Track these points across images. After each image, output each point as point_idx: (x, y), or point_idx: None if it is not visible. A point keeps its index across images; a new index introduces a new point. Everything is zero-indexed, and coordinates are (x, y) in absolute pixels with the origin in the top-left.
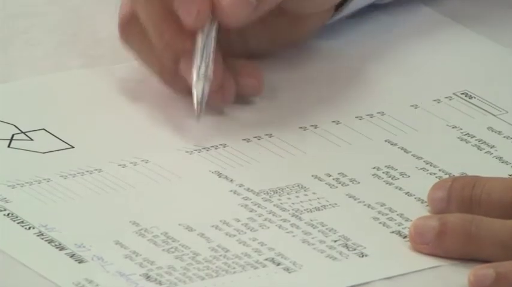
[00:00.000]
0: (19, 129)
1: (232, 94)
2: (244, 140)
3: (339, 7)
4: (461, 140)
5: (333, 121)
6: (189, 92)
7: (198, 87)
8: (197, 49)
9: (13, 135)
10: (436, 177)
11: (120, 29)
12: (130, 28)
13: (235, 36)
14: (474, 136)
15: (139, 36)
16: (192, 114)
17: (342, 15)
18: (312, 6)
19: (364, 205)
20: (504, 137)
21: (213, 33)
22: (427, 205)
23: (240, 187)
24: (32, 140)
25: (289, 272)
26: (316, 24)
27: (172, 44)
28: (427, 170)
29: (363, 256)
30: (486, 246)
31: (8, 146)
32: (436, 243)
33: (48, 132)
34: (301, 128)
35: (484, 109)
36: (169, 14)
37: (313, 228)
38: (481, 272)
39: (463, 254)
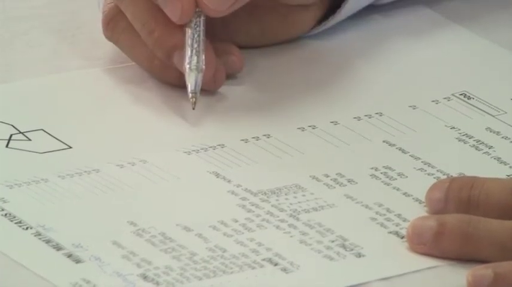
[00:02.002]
0: (17, 130)
1: (223, 77)
2: (242, 140)
3: (335, 8)
4: (460, 140)
5: (331, 122)
6: (180, 82)
7: (191, 79)
8: (187, 42)
9: (11, 135)
10: (434, 177)
11: (104, 25)
12: (116, 24)
13: (223, 30)
14: (472, 137)
15: (126, 32)
16: (190, 112)
17: (340, 19)
18: None
19: (362, 205)
20: (502, 137)
21: (201, 26)
22: (425, 206)
23: (237, 187)
24: (30, 140)
25: (287, 273)
26: (307, 20)
27: (164, 41)
28: (425, 171)
29: (360, 256)
30: (484, 247)
31: (6, 146)
32: (433, 243)
33: (47, 132)
34: (299, 128)
35: (482, 110)
36: (156, 9)
37: (311, 228)
38: (479, 273)
39: (461, 254)
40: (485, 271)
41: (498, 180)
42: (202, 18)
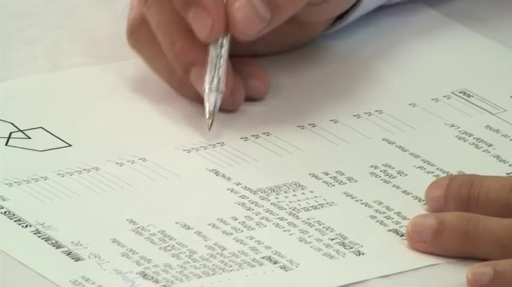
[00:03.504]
0: (17, 128)
1: (242, 98)
2: (242, 138)
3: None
4: (459, 138)
5: (331, 120)
6: (197, 99)
7: (211, 100)
8: (210, 61)
9: (11, 133)
10: (434, 175)
11: (128, 33)
12: (139, 33)
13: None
14: (472, 135)
15: (149, 41)
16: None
17: (347, 22)
18: (320, 16)
19: (362, 203)
20: (502, 135)
21: (227, 46)
22: (424, 204)
23: (237, 185)
24: (29, 138)
25: (286, 271)
26: (321, 27)
27: (184, 55)
28: (425, 169)
29: (359, 255)
30: (484, 245)
31: (6, 144)
32: (433, 241)
33: (46, 130)
34: (299, 126)
35: (482, 108)
36: (181, 23)
37: (310, 226)
38: (479, 270)
39: (461, 252)
40: (484, 268)
41: (497, 178)
42: (227, 37)
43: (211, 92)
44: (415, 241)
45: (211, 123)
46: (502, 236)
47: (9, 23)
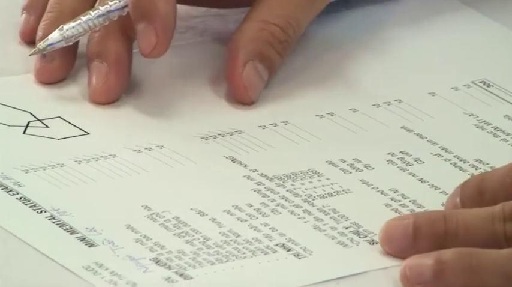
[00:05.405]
0: (35, 117)
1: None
2: (260, 127)
3: None
4: (478, 127)
5: (350, 109)
6: None
7: (53, 36)
8: (84, 15)
9: (29, 122)
10: (451, 163)
11: None
12: None
13: None
14: (490, 124)
15: None
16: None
17: None
18: None
19: (377, 191)
20: None
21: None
22: (441, 192)
23: (253, 172)
24: (47, 127)
25: (299, 258)
26: None
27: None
28: (442, 156)
29: (373, 243)
30: (490, 278)
31: (23, 133)
32: (435, 281)
33: (64, 120)
34: (317, 116)
35: (501, 98)
36: None
37: (325, 214)
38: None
39: None
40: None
41: (470, 211)
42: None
43: (60, 32)
44: (414, 283)
45: (36, 53)
46: (506, 267)
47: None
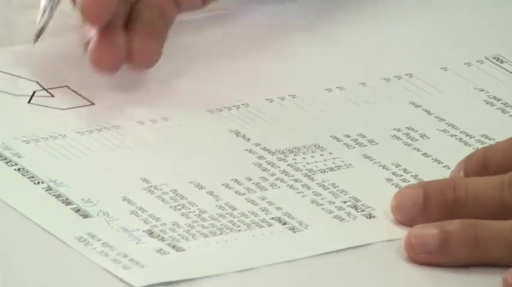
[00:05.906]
0: (41, 86)
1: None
2: (268, 100)
3: None
4: (487, 103)
5: (360, 83)
6: None
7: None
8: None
9: (34, 92)
10: (456, 138)
11: None
12: None
13: None
14: (500, 99)
15: None
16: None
17: None
18: None
19: (379, 165)
20: None
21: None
22: (444, 166)
23: (256, 146)
24: (53, 96)
25: (294, 232)
26: None
27: None
28: (448, 132)
29: (370, 218)
30: (494, 248)
31: (28, 102)
32: (440, 251)
33: (71, 89)
34: (326, 89)
35: None
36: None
37: (324, 189)
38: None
39: (469, 259)
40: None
41: (481, 179)
42: None
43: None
44: (419, 253)
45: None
46: (510, 238)
47: None
